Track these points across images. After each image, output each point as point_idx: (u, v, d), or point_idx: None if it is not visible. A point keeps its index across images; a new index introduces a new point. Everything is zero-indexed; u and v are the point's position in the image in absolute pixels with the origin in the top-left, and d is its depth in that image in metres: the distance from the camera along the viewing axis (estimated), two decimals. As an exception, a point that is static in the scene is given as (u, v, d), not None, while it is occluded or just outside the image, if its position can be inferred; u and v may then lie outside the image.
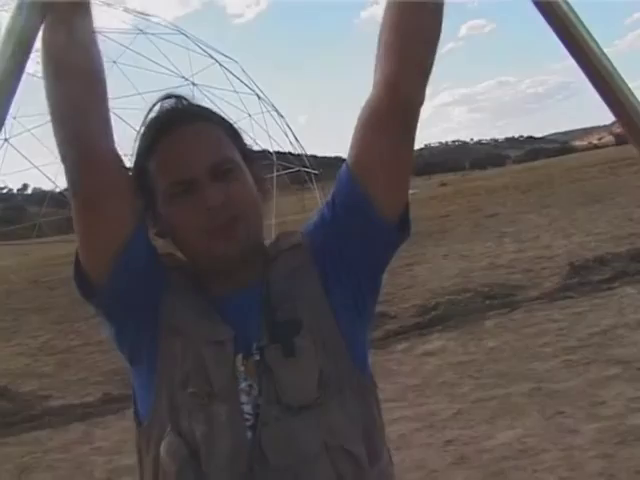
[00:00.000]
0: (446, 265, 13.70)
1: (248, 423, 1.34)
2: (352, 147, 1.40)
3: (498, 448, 5.00)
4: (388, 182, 1.37)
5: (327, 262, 1.41)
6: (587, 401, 5.54)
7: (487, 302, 9.35)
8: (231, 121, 1.49)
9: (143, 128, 1.43)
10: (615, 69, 1.42)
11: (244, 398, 1.35)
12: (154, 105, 1.45)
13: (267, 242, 1.51)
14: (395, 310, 9.76)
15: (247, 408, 1.35)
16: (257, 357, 1.36)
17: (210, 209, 1.33)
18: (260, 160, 1.56)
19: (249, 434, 1.34)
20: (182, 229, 1.38)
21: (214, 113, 1.48)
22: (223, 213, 1.34)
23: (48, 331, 13.51)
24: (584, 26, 1.38)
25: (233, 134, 1.46)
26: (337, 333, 1.39)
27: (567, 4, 1.36)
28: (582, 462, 4.57)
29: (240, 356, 1.37)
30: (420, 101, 1.35)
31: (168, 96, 1.46)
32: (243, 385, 1.36)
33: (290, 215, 31.25)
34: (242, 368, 1.36)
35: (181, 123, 1.40)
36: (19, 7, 1.11)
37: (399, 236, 1.42)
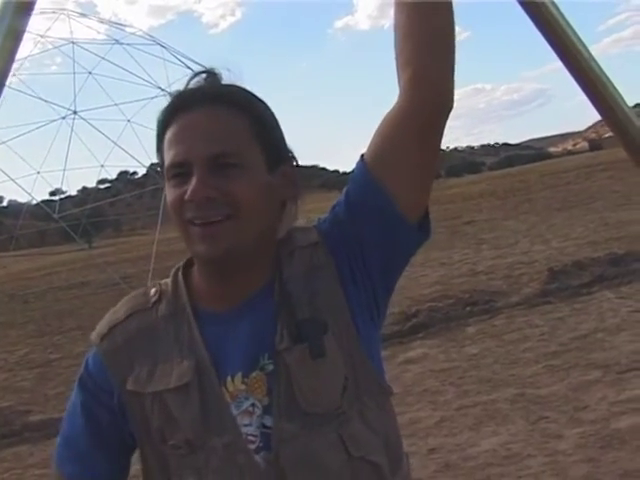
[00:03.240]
0: (425, 272, 13.71)
1: (253, 446, 1.27)
2: (375, 145, 1.34)
3: (483, 455, 4.99)
4: (411, 181, 1.32)
5: (344, 261, 1.33)
6: (570, 406, 5.54)
7: (468, 309, 9.37)
8: (267, 115, 1.36)
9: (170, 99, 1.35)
10: (602, 70, 1.41)
11: (246, 420, 1.28)
12: (192, 78, 1.35)
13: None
14: (376, 318, 9.74)
15: (251, 429, 1.28)
16: (270, 367, 1.28)
17: (188, 202, 1.25)
18: (294, 165, 1.41)
19: (259, 457, 1.26)
20: (170, 212, 1.31)
21: (248, 100, 1.34)
22: (206, 210, 1.24)
23: (26, 345, 13.38)
24: (572, 28, 1.38)
25: (260, 128, 1.32)
26: (356, 336, 1.31)
27: (554, 6, 1.36)
28: (567, 467, 4.57)
29: (239, 375, 1.29)
30: (450, 101, 1.31)
31: (202, 72, 1.37)
32: (245, 406, 1.29)
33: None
34: (243, 387, 1.29)
35: (199, 104, 1.29)
36: (3, 8, 1.08)
37: (418, 236, 1.37)
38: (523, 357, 7.12)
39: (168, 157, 1.29)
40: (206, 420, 1.27)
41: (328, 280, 1.32)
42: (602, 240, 13.02)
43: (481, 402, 6.07)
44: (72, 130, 23.72)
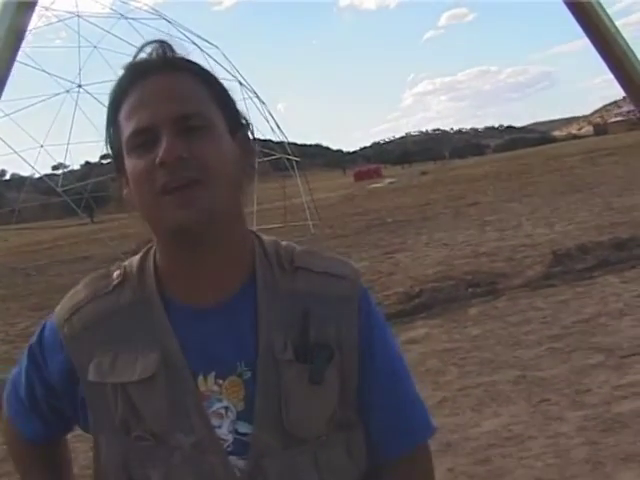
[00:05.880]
0: (428, 253, 13.72)
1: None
2: None
3: (484, 436, 5.00)
4: None
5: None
6: (572, 389, 5.55)
7: (470, 290, 9.37)
8: (222, 83, 1.31)
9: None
10: (628, 45, 1.39)
11: (215, 421, 1.24)
12: (139, 51, 1.28)
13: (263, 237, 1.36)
14: (377, 297, 9.72)
15: (221, 432, 1.23)
16: (248, 374, 1.24)
17: (162, 164, 1.16)
18: (249, 135, 1.34)
19: (237, 460, 1.23)
20: (135, 187, 1.22)
21: (202, 69, 1.29)
22: (180, 172, 1.16)
23: (27, 317, 13.41)
24: (599, 2, 1.36)
25: (219, 95, 1.28)
26: (358, 376, 1.30)
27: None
28: (568, 449, 4.58)
29: (212, 375, 1.24)
30: None
31: (152, 42, 1.29)
32: (215, 407, 1.24)
33: (267, 203, 31.15)
34: (215, 388, 1.24)
35: (157, 71, 1.24)
36: (5, 6, 1.10)
37: None
38: (525, 339, 7.13)
39: (130, 125, 1.21)
40: (173, 415, 1.22)
41: (350, 322, 1.29)
42: (606, 224, 13.00)
43: (483, 383, 6.08)
44: (77, 104, 23.68)
